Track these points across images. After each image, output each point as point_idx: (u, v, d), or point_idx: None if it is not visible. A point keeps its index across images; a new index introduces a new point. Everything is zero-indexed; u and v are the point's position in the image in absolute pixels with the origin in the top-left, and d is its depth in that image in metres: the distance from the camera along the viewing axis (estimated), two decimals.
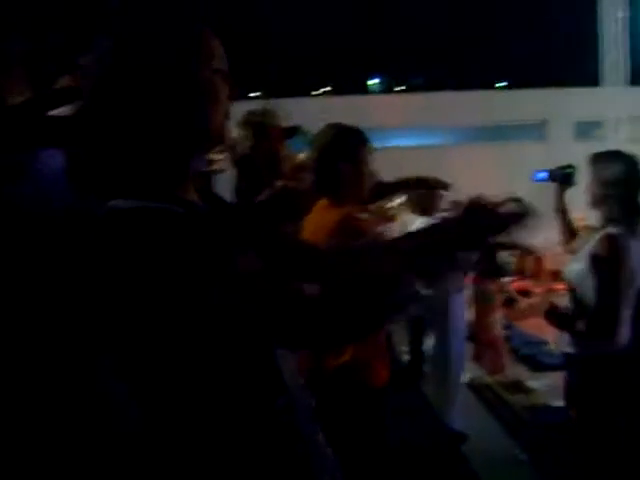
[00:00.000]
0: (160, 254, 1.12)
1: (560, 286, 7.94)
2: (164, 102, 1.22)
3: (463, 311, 5.33)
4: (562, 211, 3.66)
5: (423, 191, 5.16)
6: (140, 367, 1.21)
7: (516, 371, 6.68)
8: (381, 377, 2.77)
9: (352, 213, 2.69)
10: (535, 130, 15.82)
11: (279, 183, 3.14)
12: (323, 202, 2.79)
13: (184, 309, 1.12)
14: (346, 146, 2.78)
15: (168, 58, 1.23)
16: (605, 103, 12.05)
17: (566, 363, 3.43)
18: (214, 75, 1.27)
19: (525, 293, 10.71)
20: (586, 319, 3.15)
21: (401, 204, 5.48)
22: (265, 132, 3.21)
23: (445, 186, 2.74)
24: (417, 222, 5.13)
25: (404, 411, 4.52)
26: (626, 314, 3.15)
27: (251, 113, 3.28)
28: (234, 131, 3.32)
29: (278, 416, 1.26)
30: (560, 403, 4.94)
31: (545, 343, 7.06)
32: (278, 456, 1.25)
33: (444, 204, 5.61)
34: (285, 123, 3.51)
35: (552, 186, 3.70)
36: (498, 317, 6.82)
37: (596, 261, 3.10)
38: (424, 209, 5.22)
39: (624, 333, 3.14)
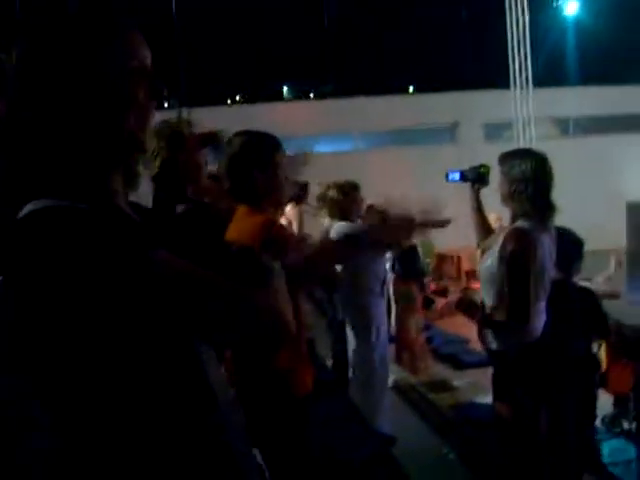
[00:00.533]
0: (61, 254, 1.06)
1: (477, 285, 8.12)
2: (73, 102, 1.18)
3: (384, 314, 5.32)
4: (477, 210, 3.72)
5: (342, 197, 5.18)
6: (57, 384, 1.14)
7: (439, 370, 6.77)
8: (304, 385, 2.71)
9: (271, 219, 2.65)
10: (446, 133, 16.19)
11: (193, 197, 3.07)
12: (242, 209, 2.71)
13: (93, 308, 1.07)
14: (258, 153, 2.72)
15: (77, 56, 1.18)
16: (513, 105, 12.40)
17: (490, 359, 3.49)
18: (130, 75, 1.21)
19: (443, 293, 10.92)
20: (498, 311, 3.23)
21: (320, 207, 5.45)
22: (181, 142, 3.11)
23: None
24: (336, 226, 5.12)
25: (331, 419, 4.50)
26: (540, 305, 3.25)
27: (164, 123, 3.17)
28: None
29: (209, 435, 1.20)
30: (484, 400, 5.06)
31: (466, 341, 7.18)
32: (211, 476, 1.19)
33: (362, 209, 5.65)
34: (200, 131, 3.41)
35: (467, 187, 3.76)
36: (417, 318, 6.91)
37: (505, 254, 3.17)
38: (343, 214, 5.21)
39: (538, 323, 3.24)
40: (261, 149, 2.73)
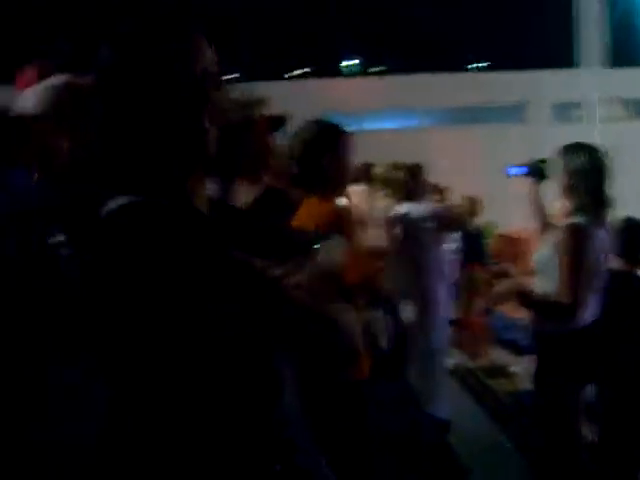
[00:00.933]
0: (148, 248, 1.12)
1: None
2: (156, 104, 1.26)
3: (446, 296, 5.24)
4: (535, 202, 3.79)
5: (409, 178, 5.12)
6: (136, 371, 1.18)
7: (499, 356, 6.69)
8: (362, 370, 2.74)
9: (341, 210, 2.80)
10: (514, 112, 15.87)
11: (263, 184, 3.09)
12: (312, 200, 2.79)
13: (174, 300, 1.11)
14: (330, 142, 2.84)
15: (159, 62, 1.27)
16: (583, 84, 12.08)
17: (535, 344, 3.60)
18: (204, 78, 1.31)
19: (503, 276, 10.74)
20: (548, 302, 3.32)
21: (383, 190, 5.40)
22: (249, 125, 3.11)
23: None
24: (404, 207, 5.06)
25: (387, 402, 4.46)
26: (590, 297, 3.29)
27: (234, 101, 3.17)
28: None
29: (273, 430, 1.21)
30: None
31: (526, 327, 7.03)
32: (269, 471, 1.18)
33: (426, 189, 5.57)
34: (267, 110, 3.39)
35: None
36: (479, 302, 6.82)
37: (560, 247, 3.24)
38: (409, 195, 5.14)
39: (585, 315, 3.28)
40: (332, 138, 2.86)
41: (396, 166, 5.20)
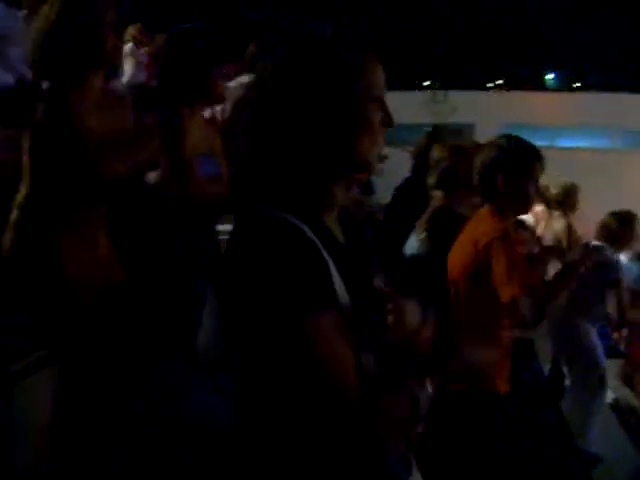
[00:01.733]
0: (256, 262, 1.18)
1: None
2: (320, 121, 1.26)
3: (594, 337, 5.07)
4: None
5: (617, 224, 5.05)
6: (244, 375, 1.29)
7: None
8: (502, 385, 2.77)
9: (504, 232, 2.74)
10: None
11: None
12: (486, 209, 2.86)
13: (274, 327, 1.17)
14: (511, 159, 2.80)
15: (332, 82, 1.27)
16: None
17: None
18: (372, 103, 1.30)
19: None
20: None
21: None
22: (464, 153, 3.38)
23: None
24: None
25: (539, 426, 4.44)
26: None
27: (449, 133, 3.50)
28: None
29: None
30: None
31: None
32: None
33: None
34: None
35: None
36: None
37: None
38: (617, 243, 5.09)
39: None
40: (516, 156, 2.81)
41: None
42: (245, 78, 4.60)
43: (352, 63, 1.29)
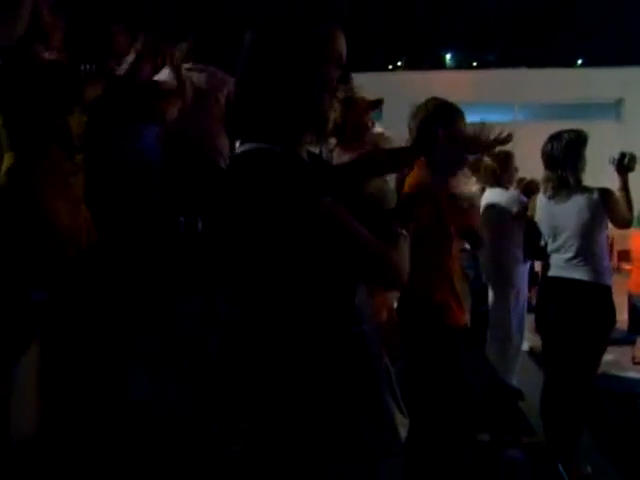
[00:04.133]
0: (260, 186, 1.45)
1: (628, 267, 8.04)
2: (290, 83, 1.56)
3: (525, 280, 5.52)
4: (621, 190, 3.95)
5: (496, 164, 5.40)
6: (248, 291, 1.57)
7: None
8: (458, 319, 3.11)
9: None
10: (610, 109, 15.64)
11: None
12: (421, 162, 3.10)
13: (279, 234, 1.46)
14: (445, 116, 3.12)
15: (300, 51, 1.56)
16: None
17: None
18: (333, 69, 1.60)
19: None
20: None
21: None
22: (352, 105, 3.58)
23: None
24: (489, 193, 5.41)
25: (465, 369, 4.78)
26: None
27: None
28: None
29: (352, 338, 1.60)
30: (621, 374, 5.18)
31: None
32: (349, 368, 1.58)
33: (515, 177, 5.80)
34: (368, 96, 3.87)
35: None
36: None
37: None
38: (497, 180, 5.44)
39: None
40: (447, 113, 3.14)
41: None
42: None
43: (319, 34, 1.57)
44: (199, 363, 3.18)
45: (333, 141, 3.67)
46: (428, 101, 3.23)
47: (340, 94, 3.36)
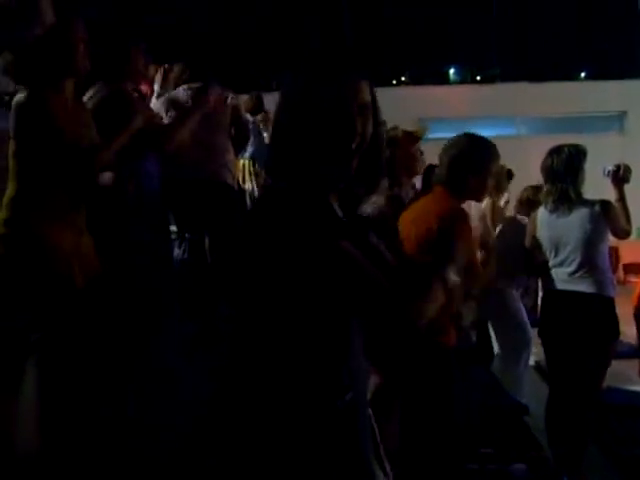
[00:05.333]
0: (282, 223, 1.53)
1: (634, 279, 8.02)
2: (325, 125, 1.60)
3: (519, 303, 5.49)
4: (618, 201, 3.99)
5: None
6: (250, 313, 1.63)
7: None
8: (453, 338, 3.13)
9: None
10: (614, 122, 15.67)
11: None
12: (440, 190, 3.18)
13: (293, 270, 1.51)
14: (477, 160, 3.13)
15: (332, 99, 1.59)
16: None
17: None
18: (359, 111, 1.62)
19: None
20: None
21: None
22: (396, 142, 3.69)
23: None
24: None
25: (472, 383, 4.80)
26: None
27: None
28: None
29: (337, 414, 1.59)
30: (629, 387, 5.18)
31: None
32: (332, 444, 1.57)
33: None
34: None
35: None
36: None
37: None
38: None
39: None
40: (480, 156, 3.15)
41: None
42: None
43: (348, 86, 1.62)
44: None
45: (385, 183, 3.73)
46: (460, 138, 3.23)
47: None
